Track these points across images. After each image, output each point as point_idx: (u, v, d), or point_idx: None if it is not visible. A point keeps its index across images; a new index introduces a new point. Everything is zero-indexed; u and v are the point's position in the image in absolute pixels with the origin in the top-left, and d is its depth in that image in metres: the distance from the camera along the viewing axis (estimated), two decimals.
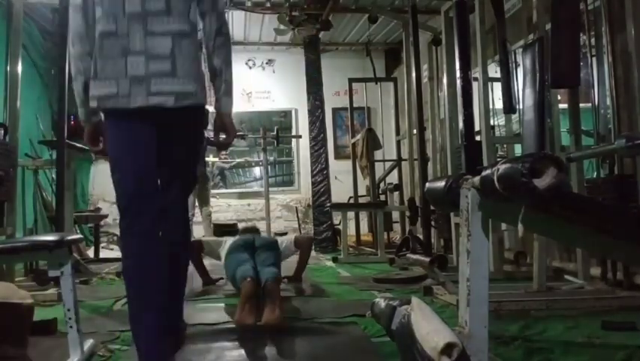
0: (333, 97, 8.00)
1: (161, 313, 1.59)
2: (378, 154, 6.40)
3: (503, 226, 3.76)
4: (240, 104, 8.44)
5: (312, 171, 6.54)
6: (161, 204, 1.73)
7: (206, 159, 6.51)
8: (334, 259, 4.99)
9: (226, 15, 2.07)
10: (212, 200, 6.13)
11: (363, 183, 6.52)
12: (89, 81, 1.69)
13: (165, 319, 1.61)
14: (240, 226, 6.49)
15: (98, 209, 7.37)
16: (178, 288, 1.82)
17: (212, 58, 1.83)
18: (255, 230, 3.70)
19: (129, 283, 1.63)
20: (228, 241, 3.34)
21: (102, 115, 1.75)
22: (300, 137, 7.81)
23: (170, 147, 1.75)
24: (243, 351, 2.04)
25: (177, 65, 1.67)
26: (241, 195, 8.40)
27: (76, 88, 1.75)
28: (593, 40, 3.35)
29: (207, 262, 3.66)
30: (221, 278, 3.64)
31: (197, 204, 6.07)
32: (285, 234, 6.62)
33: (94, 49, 1.68)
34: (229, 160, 9.09)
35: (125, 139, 1.70)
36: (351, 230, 6.36)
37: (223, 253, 3.27)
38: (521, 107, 3.17)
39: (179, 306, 1.86)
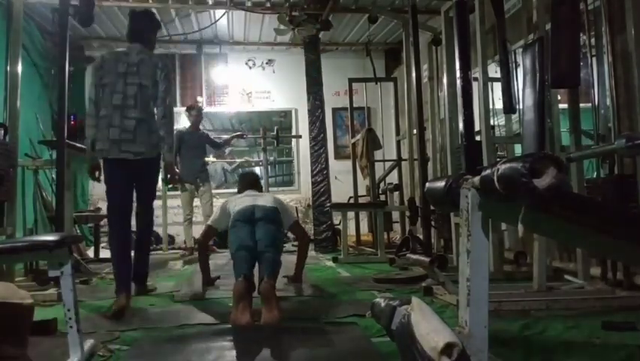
0: (333, 97, 8.00)
1: (129, 265, 3.12)
2: (378, 154, 6.39)
3: (503, 225, 3.76)
4: (240, 104, 8.45)
5: (312, 171, 6.53)
6: (139, 208, 3.27)
7: (207, 159, 6.49)
8: (334, 259, 4.99)
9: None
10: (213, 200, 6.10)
11: (363, 183, 6.52)
12: (95, 141, 3.07)
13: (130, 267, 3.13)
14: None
15: (98, 209, 7.36)
16: (146, 247, 3.41)
17: (161, 129, 3.14)
18: (254, 180, 3.78)
19: (112, 251, 3.13)
20: (230, 205, 3.32)
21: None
22: (300, 137, 7.81)
23: (138, 178, 3.16)
24: (242, 351, 2.04)
25: (136, 136, 3.04)
26: None
27: (87, 144, 3.11)
28: (593, 40, 3.35)
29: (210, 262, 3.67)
30: (218, 278, 3.64)
31: (199, 203, 6.05)
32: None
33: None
34: (232, 161, 9.09)
35: (110, 174, 3.10)
36: (351, 230, 6.36)
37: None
38: (521, 107, 3.17)
39: (146, 258, 3.37)
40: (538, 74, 2.83)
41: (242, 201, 3.31)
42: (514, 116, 4.05)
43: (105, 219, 6.88)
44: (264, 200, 3.34)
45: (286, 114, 8.94)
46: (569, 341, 1.98)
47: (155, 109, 3.14)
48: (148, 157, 3.09)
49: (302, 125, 7.85)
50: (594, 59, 3.39)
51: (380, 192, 6.46)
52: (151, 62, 3.16)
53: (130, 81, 3.07)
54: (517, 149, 4.22)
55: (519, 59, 3.72)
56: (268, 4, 6.63)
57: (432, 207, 4.15)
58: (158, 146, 3.13)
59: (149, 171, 3.21)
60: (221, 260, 4.86)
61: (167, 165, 3.31)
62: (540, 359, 1.78)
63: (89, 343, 1.91)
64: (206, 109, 8.20)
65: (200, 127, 6.31)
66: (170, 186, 5.99)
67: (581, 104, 3.04)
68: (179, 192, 6.16)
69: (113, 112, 3.03)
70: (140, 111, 3.06)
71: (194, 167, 5.87)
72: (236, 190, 3.95)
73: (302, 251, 3.66)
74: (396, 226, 6.46)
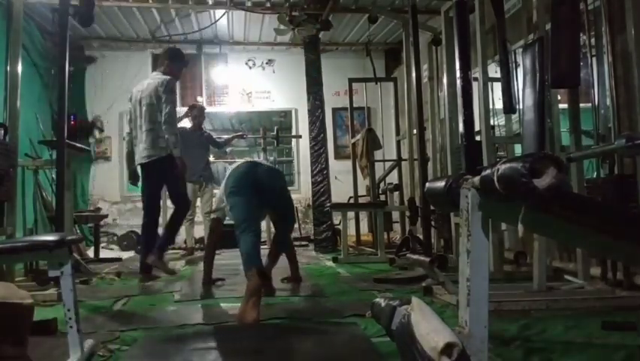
0: (333, 97, 8.00)
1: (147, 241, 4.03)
2: (378, 154, 6.39)
3: (503, 225, 3.76)
4: (240, 104, 8.46)
5: (312, 171, 6.53)
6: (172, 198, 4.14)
7: (210, 158, 6.50)
8: (334, 259, 4.99)
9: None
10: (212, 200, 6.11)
11: (363, 183, 6.52)
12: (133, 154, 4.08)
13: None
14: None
15: (98, 209, 7.37)
16: (171, 225, 4.14)
17: (165, 133, 3.84)
18: None
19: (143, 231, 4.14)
20: (227, 173, 3.25)
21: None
22: (300, 137, 7.81)
23: (159, 176, 3.99)
24: (242, 351, 2.04)
25: (147, 143, 3.89)
26: None
27: (128, 155, 4.19)
28: (593, 40, 3.35)
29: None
30: (222, 279, 3.63)
31: (198, 203, 6.06)
32: None
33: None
34: (232, 161, 9.08)
35: (141, 177, 4.12)
36: (351, 230, 6.36)
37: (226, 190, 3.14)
38: (521, 107, 3.17)
39: (166, 234, 4.11)
40: (538, 74, 2.83)
41: (243, 168, 3.19)
42: (514, 116, 4.05)
43: (104, 220, 7.02)
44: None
45: (286, 114, 8.94)
46: (569, 341, 1.98)
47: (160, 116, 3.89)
48: (157, 157, 3.85)
49: (302, 125, 7.85)
50: (594, 59, 3.39)
51: (380, 192, 6.45)
52: (154, 83, 3.94)
53: (143, 103, 3.93)
54: (517, 149, 4.22)
55: (519, 59, 3.72)
56: (268, 4, 6.63)
57: (432, 207, 4.15)
58: (166, 148, 3.84)
59: (162, 168, 3.88)
60: (223, 260, 4.84)
61: (176, 159, 3.90)
62: (540, 359, 1.78)
63: (88, 343, 1.90)
64: (206, 109, 8.20)
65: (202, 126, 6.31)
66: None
67: (581, 104, 3.03)
68: None
69: (138, 132, 3.97)
70: (149, 123, 3.88)
71: (198, 166, 5.88)
72: None
73: (290, 252, 3.67)
74: (397, 226, 6.46)
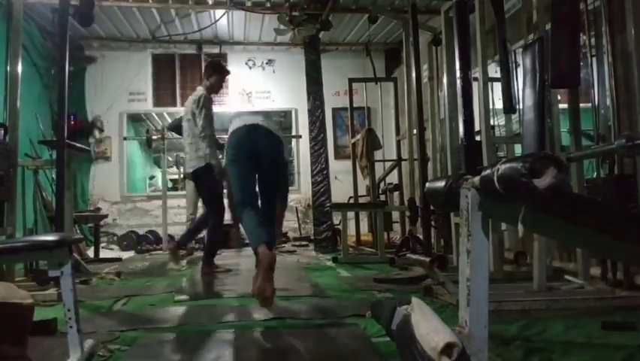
0: (333, 97, 8.01)
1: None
2: (378, 154, 6.39)
3: (503, 225, 3.75)
4: (240, 104, 8.45)
5: (312, 171, 6.53)
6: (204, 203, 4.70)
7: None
8: (334, 259, 4.99)
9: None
10: None
11: (363, 183, 6.52)
12: None
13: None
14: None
15: (98, 209, 7.38)
16: (208, 239, 4.39)
17: (202, 145, 4.19)
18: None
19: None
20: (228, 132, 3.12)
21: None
22: (300, 137, 7.81)
23: (198, 186, 4.52)
24: (242, 351, 2.04)
25: (190, 155, 4.28)
26: None
27: None
28: (593, 40, 3.35)
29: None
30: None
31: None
32: None
33: None
34: None
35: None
36: (351, 230, 6.36)
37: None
38: (521, 107, 3.17)
39: (206, 247, 4.41)
40: (538, 74, 2.83)
41: (238, 123, 3.05)
42: (514, 116, 4.05)
43: (104, 220, 7.02)
44: (266, 123, 3.09)
45: (286, 114, 8.94)
46: (569, 341, 1.97)
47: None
48: (197, 168, 4.20)
49: (302, 125, 7.85)
50: (594, 59, 3.39)
51: (380, 192, 6.45)
52: (192, 99, 4.30)
53: (185, 118, 4.36)
54: (517, 149, 4.22)
55: (519, 59, 3.72)
56: (268, 4, 6.63)
57: (432, 207, 4.15)
58: (204, 159, 4.17)
59: (201, 179, 4.26)
60: (223, 260, 4.84)
61: (214, 167, 4.18)
62: (540, 359, 1.78)
63: (88, 343, 1.90)
64: None
65: None
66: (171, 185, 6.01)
67: (581, 104, 3.03)
68: (183, 192, 6.16)
69: (184, 144, 4.41)
70: (190, 137, 4.26)
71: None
72: None
73: (280, 213, 3.38)
74: (396, 226, 6.46)
